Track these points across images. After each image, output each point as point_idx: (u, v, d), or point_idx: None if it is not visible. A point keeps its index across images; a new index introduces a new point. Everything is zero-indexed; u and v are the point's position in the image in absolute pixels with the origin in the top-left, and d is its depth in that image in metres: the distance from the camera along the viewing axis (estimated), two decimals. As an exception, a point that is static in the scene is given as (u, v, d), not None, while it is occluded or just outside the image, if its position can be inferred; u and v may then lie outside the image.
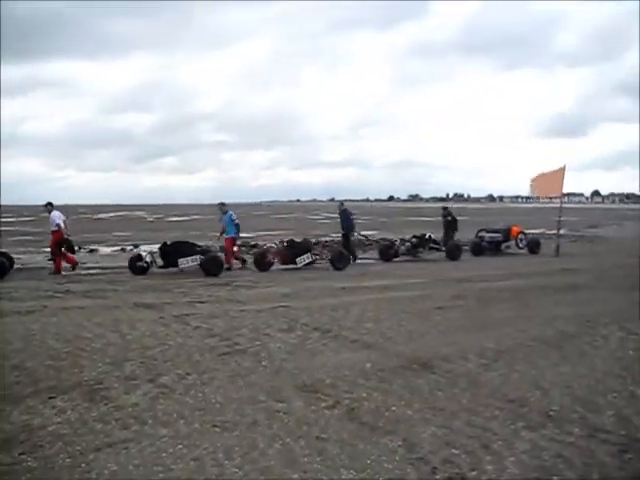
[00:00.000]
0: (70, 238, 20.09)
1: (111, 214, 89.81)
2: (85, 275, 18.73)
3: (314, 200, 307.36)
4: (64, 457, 5.52)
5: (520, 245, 27.15)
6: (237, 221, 20.75)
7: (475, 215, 67.71)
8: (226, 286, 16.07)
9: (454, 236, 25.35)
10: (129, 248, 21.19)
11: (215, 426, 6.21)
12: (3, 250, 20.38)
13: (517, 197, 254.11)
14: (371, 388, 7.41)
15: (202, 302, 13.46)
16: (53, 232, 19.86)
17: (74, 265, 20.00)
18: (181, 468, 5.30)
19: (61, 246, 19.74)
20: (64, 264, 19.79)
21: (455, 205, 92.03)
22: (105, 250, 22.02)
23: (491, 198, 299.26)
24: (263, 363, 8.45)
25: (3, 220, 66.90)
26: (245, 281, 17.07)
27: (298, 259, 20.50)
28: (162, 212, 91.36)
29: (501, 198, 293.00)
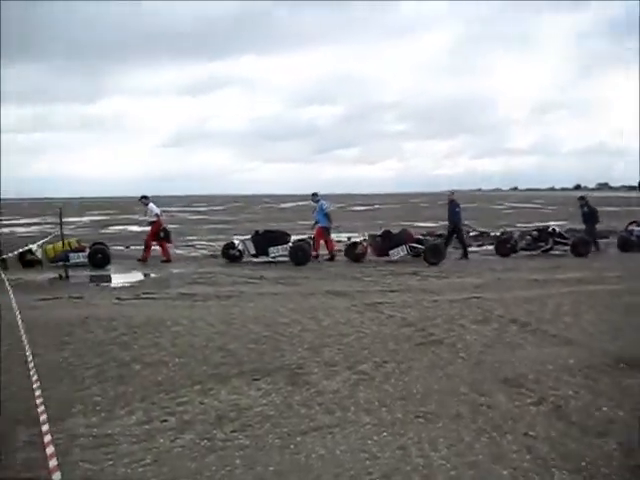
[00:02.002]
0: (168, 228, 20.65)
1: (294, 204, 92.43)
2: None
3: (496, 189, 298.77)
4: (273, 437, 5.67)
5: None
6: (328, 210, 20.40)
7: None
8: (415, 275, 15.96)
9: (594, 229, 22.41)
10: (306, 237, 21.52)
11: (418, 416, 6.13)
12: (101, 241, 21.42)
13: None
14: (577, 385, 7.04)
15: (393, 291, 13.46)
16: (152, 223, 20.55)
17: (167, 259, 20.21)
18: (387, 456, 5.27)
19: (159, 236, 20.36)
20: (148, 254, 20.33)
21: (597, 194, 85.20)
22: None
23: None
24: (461, 355, 8.27)
25: (197, 209, 70.84)
26: (435, 272, 16.85)
27: (392, 251, 19.70)
28: (344, 202, 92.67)
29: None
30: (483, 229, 25.06)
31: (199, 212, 65.31)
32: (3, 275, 15.05)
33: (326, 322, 10.21)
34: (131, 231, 36.49)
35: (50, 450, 4.73)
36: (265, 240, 19.68)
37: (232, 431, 5.83)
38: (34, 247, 19.66)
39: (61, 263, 18.32)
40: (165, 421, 6.12)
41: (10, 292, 11.86)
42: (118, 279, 16.79)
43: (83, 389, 7.05)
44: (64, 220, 18.20)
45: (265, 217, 50.22)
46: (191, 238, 29.33)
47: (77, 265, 18.64)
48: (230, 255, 19.77)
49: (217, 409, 6.40)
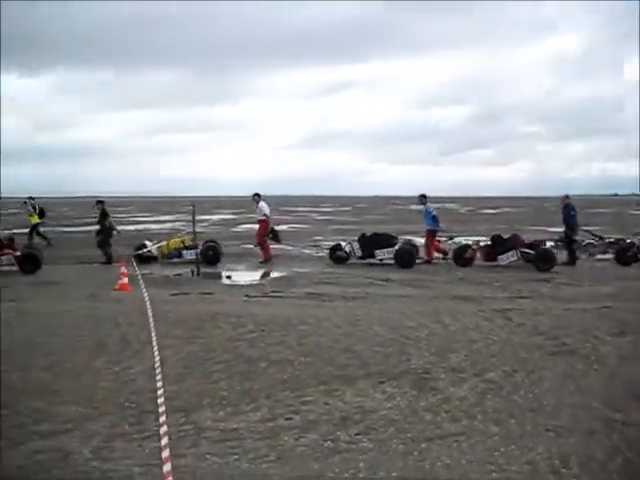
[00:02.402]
0: (276, 228, 20.50)
1: (423, 206, 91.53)
2: (383, 265, 19.14)
3: (633, 194, 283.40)
4: (397, 442, 5.60)
5: None
6: (434, 213, 19.88)
7: None
8: (546, 282, 15.41)
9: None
10: (443, 239, 21.23)
11: (548, 430, 5.89)
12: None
13: None
14: None
15: (523, 297, 13.05)
16: (260, 221, 20.62)
17: (266, 260, 20.22)
18: (514, 470, 5.08)
19: (268, 235, 20.41)
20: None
21: None
22: (420, 240, 22.42)
23: None
24: (595, 367, 7.89)
25: (324, 210, 71.54)
26: (568, 278, 16.20)
27: (501, 257, 18.87)
28: (474, 205, 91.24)
29: None
30: (600, 235, 23.27)
31: (326, 213, 65.96)
32: (138, 270, 15.73)
33: (453, 327, 10.02)
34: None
35: (164, 441, 4.87)
36: (372, 242, 19.58)
37: (356, 434, 5.80)
38: (149, 244, 20.48)
39: (175, 259, 19.33)
40: (290, 419, 6.16)
41: (143, 286, 12.39)
42: (246, 277, 17.16)
43: (211, 383, 7.21)
44: (196, 218, 18.74)
45: (392, 218, 50.07)
46: (318, 238, 29.61)
47: (190, 262, 19.11)
48: (336, 256, 19.79)
49: (342, 410, 6.39)
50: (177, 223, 42.35)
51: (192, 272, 17.19)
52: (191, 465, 5.14)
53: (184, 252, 19.99)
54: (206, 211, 60.78)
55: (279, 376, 7.46)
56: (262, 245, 20.46)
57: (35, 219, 25.72)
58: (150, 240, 21.23)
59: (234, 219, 53.73)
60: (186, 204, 22.64)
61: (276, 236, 20.87)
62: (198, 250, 19.53)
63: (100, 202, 20.71)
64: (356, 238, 20.15)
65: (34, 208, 25.81)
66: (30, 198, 26.52)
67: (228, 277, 16.89)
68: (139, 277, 14.29)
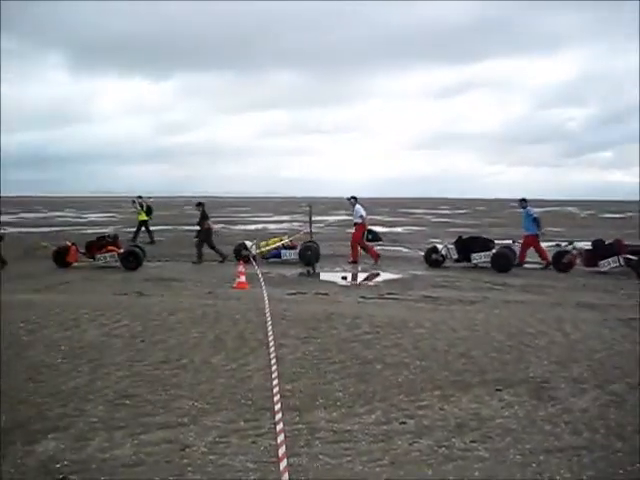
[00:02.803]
0: (374, 230, 20.09)
1: (541, 209, 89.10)
2: (531, 269, 18.69)
3: None
4: (514, 453, 5.43)
5: None
6: (535, 216, 19.06)
7: None
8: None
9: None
10: (563, 244, 20.51)
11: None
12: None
13: None
14: None
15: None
16: (356, 224, 20.44)
17: (354, 260, 20.16)
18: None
19: (364, 237, 20.21)
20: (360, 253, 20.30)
21: None
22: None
23: None
24: None
25: (441, 212, 70.73)
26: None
27: (602, 262, 17.82)
28: (595, 209, 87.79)
29: None
30: None
31: (443, 215, 65.12)
32: (257, 269, 16.02)
33: (575, 336, 9.63)
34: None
35: (280, 438, 4.89)
36: (468, 246, 19.27)
37: (472, 441, 5.66)
38: (249, 243, 20.82)
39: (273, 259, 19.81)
40: (404, 423, 6.09)
41: (263, 284, 12.59)
42: (361, 278, 17.18)
43: (326, 383, 7.23)
44: (313, 219, 18.96)
45: (508, 222, 48.83)
46: (434, 240, 29.26)
47: (288, 262, 19.52)
48: (432, 259, 19.53)
49: (457, 417, 6.26)
50: (294, 223, 42.93)
51: (308, 272, 17.37)
52: (304, 465, 5.16)
53: (283, 252, 20.36)
54: (323, 212, 61.25)
55: (394, 379, 7.40)
56: (363, 248, 20.48)
57: (143, 217, 27.18)
58: (250, 240, 21.63)
59: (350, 220, 53.95)
60: (304, 204, 22.73)
61: (376, 238, 20.90)
62: (296, 250, 19.77)
63: (200, 204, 21.35)
64: (452, 241, 19.95)
65: (142, 206, 27.23)
66: (139, 197, 27.88)
67: (343, 278, 16.95)
68: (258, 275, 14.51)
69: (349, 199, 20.83)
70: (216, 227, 21.64)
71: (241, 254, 20.16)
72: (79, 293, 13.56)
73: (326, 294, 13.67)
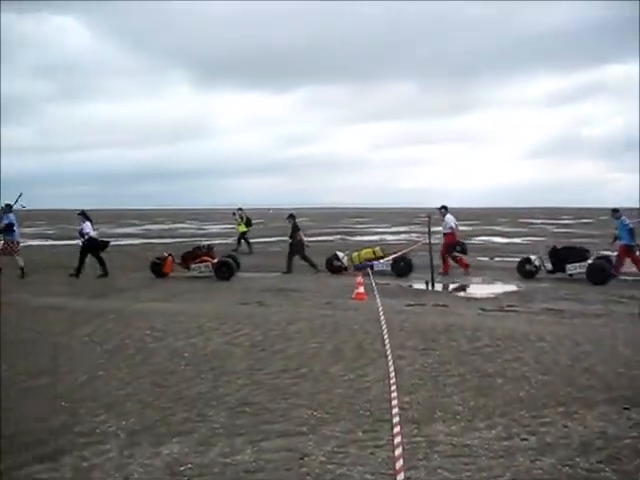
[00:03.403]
0: (464, 241, 19.40)
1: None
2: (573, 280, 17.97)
3: None
4: (643, 474, 5.18)
5: None
6: (631, 226, 17.93)
7: None
8: None
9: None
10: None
11: None
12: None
13: None
14: None
15: None
16: (446, 235, 20.15)
17: (466, 269, 19.85)
18: None
19: (454, 248, 19.86)
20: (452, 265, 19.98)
21: None
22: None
23: None
24: None
25: (563, 222, 68.53)
26: None
27: None
28: None
29: None
30: None
31: (565, 225, 63.05)
32: (373, 280, 16.03)
33: None
34: (494, 242, 36.59)
35: (398, 451, 4.85)
36: (563, 256, 18.52)
37: (598, 462, 5.43)
38: (341, 254, 20.81)
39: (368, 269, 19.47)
40: (525, 440, 5.92)
41: (377, 296, 12.59)
42: (479, 290, 16.88)
43: (445, 396, 7.14)
44: (432, 229, 18.78)
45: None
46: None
47: (381, 272, 19.39)
48: (526, 270, 18.89)
49: (582, 435, 6.02)
50: (412, 234, 42.69)
51: (427, 283, 17.24)
52: (422, 478, 5.11)
53: (375, 263, 20.19)
54: (437, 222, 60.72)
55: (515, 394, 7.21)
56: (444, 258, 20.18)
57: (242, 228, 28.26)
58: (342, 251, 21.64)
59: (470, 230, 53.18)
60: (422, 215, 22.46)
61: (464, 250, 20.52)
62: (389, 261, 19.65)
63: (292, 216, 21.50)
64: (546, 252, 19.30)
65: (242, 218, 28.23)
66: (239, 209, 28.82)
67: (463, 289, 16.73)
68: (374, 286, 14.54)
69: (440, 209, 20.64)
70: (307, 239, 21.83)
71: (333, 265, 20.32)
72: (202, 302, 13.98)
73: (445, 306, 13.52)
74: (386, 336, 9.36)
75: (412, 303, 13.78)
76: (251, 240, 28.48)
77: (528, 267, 19.04)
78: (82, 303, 13.79)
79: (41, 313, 12.44)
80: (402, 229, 54.43)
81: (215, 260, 19.45)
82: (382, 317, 9.99)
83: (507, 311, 12.92)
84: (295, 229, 20.89)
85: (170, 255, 19.91)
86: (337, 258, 20.55)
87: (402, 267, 19.48)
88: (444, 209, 20.45)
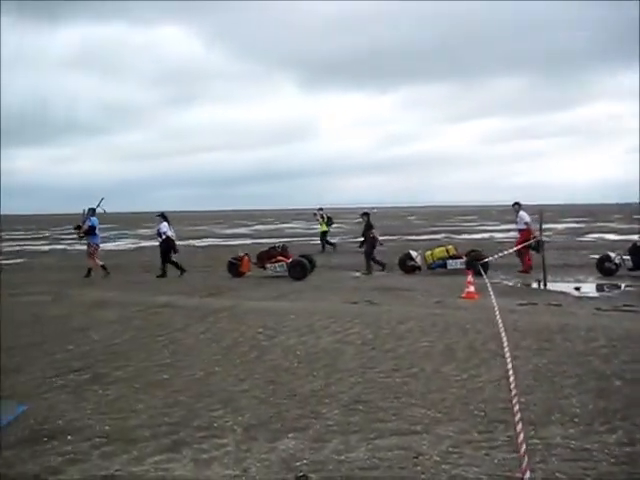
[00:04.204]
0: (539, 239, 18.53)
1: None
2: None
3: None
4: None
5: None
6: None
7: None
8: None
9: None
10: None
11: None
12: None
13: None
14: None
15: None
16: (521, 231, 19.61)
17: (525, 270, 19.24)
18: None
19: (530, 245, 19.08)
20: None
21: None
22: None
23: None
24: None
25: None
26: None
27: None
28: None
29: None
30: None
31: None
32: (487, 279, 15.81)
33: None
34: (606, 239, 35.38)
35: (522, 449, 4.76)
36: None
37: None
38: (414, 253, 20.59)
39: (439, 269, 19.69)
40: (650, 445, 5.70)
41: (492, 295, 12.40)
42: (593, 289, 16.41)
43: (561, 398, 6.96)
44: (544, 227, 18.33)
45: None
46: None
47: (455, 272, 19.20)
48: (605, 268, 18.22)
49: None
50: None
51: (538, 282, 16.87)
52: (542, 482, 5.01)
53: (449, 262, 19.96)
54: (550, 219, 59.03)
55: (636, 397, 6.95)
56: (521, 255, 19.62)
57: (324, 227, 29.02)
58: (415, 250, 21.38)
59: (580, 227, 51.56)
60: (532, 212, 21.92)
61: (538, 247, 19.77)
62: (463, 260, 19.40)
63: (365, 214, 21.44)
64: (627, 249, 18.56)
65: (322, 218, 28.88)
66: (320, 209, 29.52)
67: (577, 289, 16.25)
68: (487, 285, 14.32)
69: (513, 205, 20.31)
70: (380, 237, 21.73)
71: (406, 264, 20.18)
72: (310, 301, 14.14)
73: (559, 305, 13.18)
74: (504, 335, 9.17)
75: (524, 302, 13.50)
76: (354, 240, 28.75)
77: (607, 264, 18.51)
78: (195, 302, 14.22)
79: (158, 312, 12.90)
80: (511, 227, 53.25)
81: (290, 260, 19.68)
82: (498, 316, 9.80)
83: (624, 311, 12.46)
84: (368, 227, 20.86)
85: (246, 255, 20.41)
86: (410, 257, 20.45)
87: (476, 266, 19.06)
88: (517, 205, 20.13)
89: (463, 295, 14.44)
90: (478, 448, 5.64)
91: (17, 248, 40.31)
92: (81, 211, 20.79)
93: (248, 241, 40.03)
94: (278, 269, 19.71)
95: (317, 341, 9.81)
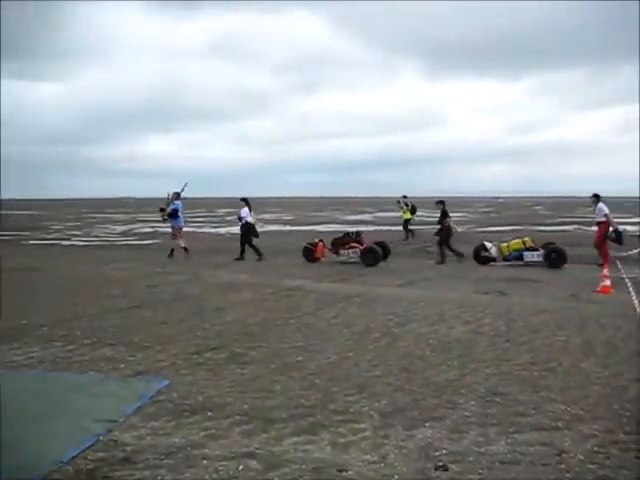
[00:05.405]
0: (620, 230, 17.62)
1: None
2: None
3: None
4: None
5: None
6: None
7: None
8: None
9: None
10: None
11: None
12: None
13: None
14: None
15: None
16: (599, 223, 18.81)
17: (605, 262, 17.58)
18: None
19: (606, 238, 18.26)
20: None
21: None
22: None
23: None
24: None
25: None
26: None
27: None
28: None
29: None
30: None
31: None
32: (624, 273, 15.18)
33: None
34: None
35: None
36: None
37: None
38: (489, 244, 20.07)
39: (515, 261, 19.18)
40: None
41: (631, 290, 11.91)
42: None
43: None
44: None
45: None
46: None
47: (533, 264, 18.73)
48: None
49: None
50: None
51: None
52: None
53: (525, 254, 19.36)
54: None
55: None
56: (601, 249, 18.76)
57: (407, 215, 29.13)
58: (490, 241, 20.78)
59: None
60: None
61: (620, 239, 18.68)
62: (541, 252, 18.89)
63: (441, 202, 21.18)
64: None
65: (407, 205, 28.99)
66: (403, 197, 29.61)
67: None
68: (626, 280, 13.76)
69: (591, 197, 19.47)
70: (457, 227, 21.33)
71: (480, 255, 19.75)
72: (439, 289, 14.05)
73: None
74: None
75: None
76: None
77: None
78: (325, 286, 14.38)
79: (289, 295, 13.12)
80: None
81: (363, 246, 19.67)
82: (635, 313, 9.41)
83: None
84: (444, 215, 20.60)
85: (321, 241, 20.71)
86: (485, 248, 20.02)
87: (554, 259, 18.55)
88: (595, 197, 19.30)
89: (598, 289, 13.93)
90: (626, 450, 5.42)
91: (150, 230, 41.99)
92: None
93: (371, 228, 40.06)
94: (351, 255, 19.89)
95: (449, 330, 9.71)
